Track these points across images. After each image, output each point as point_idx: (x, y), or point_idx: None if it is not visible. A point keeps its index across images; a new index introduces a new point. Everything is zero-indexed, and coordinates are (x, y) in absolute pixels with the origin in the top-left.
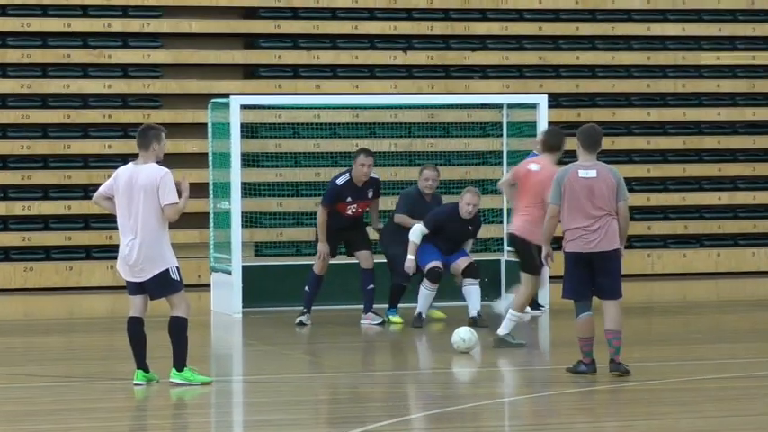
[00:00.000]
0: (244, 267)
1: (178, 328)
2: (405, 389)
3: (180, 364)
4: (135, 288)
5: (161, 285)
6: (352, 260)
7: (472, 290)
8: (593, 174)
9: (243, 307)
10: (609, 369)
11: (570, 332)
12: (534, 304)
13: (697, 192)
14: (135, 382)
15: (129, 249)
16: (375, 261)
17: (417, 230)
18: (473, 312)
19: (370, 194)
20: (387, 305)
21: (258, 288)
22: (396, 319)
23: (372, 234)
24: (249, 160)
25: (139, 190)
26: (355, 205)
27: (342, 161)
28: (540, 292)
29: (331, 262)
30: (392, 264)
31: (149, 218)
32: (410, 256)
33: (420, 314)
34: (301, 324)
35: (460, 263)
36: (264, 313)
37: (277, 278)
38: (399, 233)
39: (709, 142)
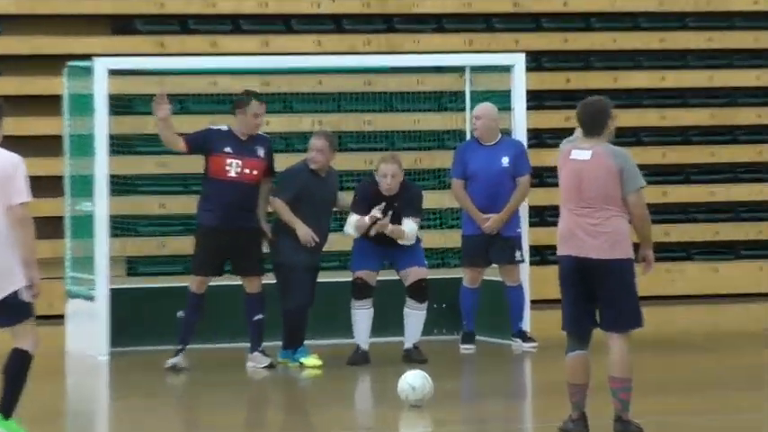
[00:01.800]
0: (113, 292)
1: (20, 365)
2: None
3: (8, 409)
4: None
5: (11, 309)
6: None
7: (412, 315)
8: (586, 156)
9: (111, 346)
10: (614, 430)
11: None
12: (523, 335)
13: (731, 183)
14: None
15: None
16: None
17: (352, 220)
18: (407, 344)
19: (261, 152)
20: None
21: (132, 320)
22: (310, 361)
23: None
24: (120, 145)
25: None
26: (239, 162)
27: None
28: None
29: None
30: (284, 283)
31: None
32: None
33: (357, 347)
34: (175, 369)
35: (411, 273)
36: (141, 354)
37: (158, 306)
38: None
39: (746, 116)
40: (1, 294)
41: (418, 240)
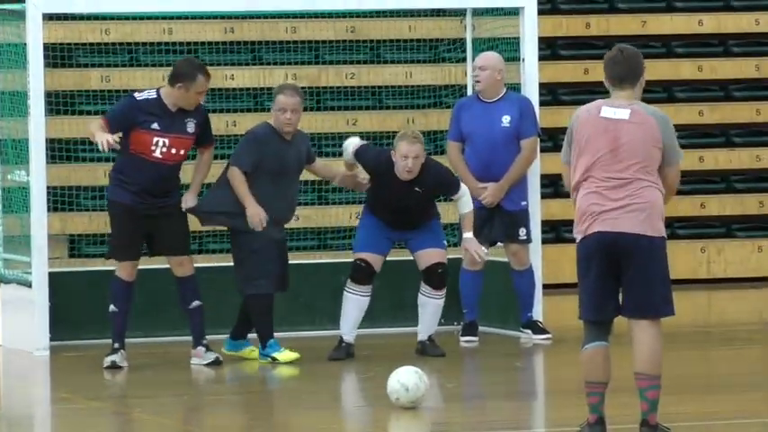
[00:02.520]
0: (52, 276)
1: None
2: None
3: None
4: None
5: None
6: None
7: (429, 304)
8: (623, 114)
9: (51, 339)
10: None
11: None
12: (534, 326)
13: None
14: None
15: None
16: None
17: (349, 145)
18: (423, 335)
19: (191, 128)
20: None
21: (76, 309)
22: (285, 355)
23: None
24: (60, 103)
25: None
26: (166, 140)
27: (210, 102)
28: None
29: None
30: (246, 261)
31: None
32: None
33: (341, 339)
34: (114, 367)
35: (424, 256)
36: (86, 348)
37: (105, 292)
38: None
39: None
40: None
41: (436, 217)
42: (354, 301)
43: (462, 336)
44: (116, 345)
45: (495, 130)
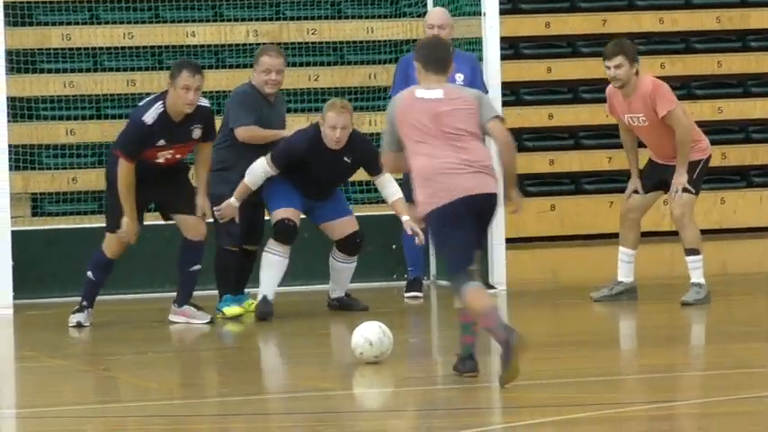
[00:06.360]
0: (15, 234)
1: None
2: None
3: None
4: None
5: None
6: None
7: (346, 269)
8: (438, 94)
9: (15, 298)
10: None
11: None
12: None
13: None
14: None
15: None
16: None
17: (258, 168)
18: (337, 292)
19: (197, 134)
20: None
21: (39, 267)
22: (232, 309)
23: None
24: (20, 61)
25: None
26: (171, 151)
27: (167, 58)
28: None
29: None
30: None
31: None
32: (232, 199)
33: (265, 297)
34: (79, 326)
35: (338, 226)
36: (51, 306)
37: (69, 250)
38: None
39: None
40: None
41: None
42: (279, 263)
43: (406, 292)
44: (84, 303)
45: None
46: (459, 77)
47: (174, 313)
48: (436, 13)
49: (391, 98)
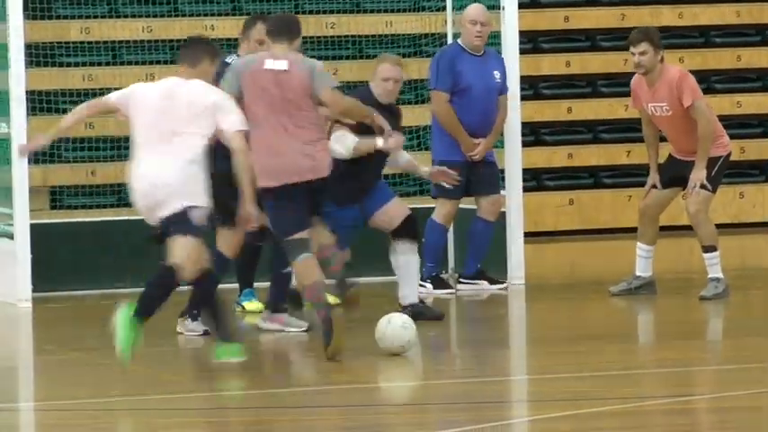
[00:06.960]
0: (34, 228)
1: None
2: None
3: None
4: None
5: None
6: None
7: (411, 262)
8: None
9: (34, 291)
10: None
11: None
12: (488, 277)
13: None
14: None
15: None
16: None
17: (348, 139)
18: (410, 298)
19: None
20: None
21: (58, 261)
22: (252, 304)
23: None
24: (40, 55)
25: None
26: None
27: None
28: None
29: None
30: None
31: None
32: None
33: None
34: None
35: (392, 211)
36: (68, 300)
37: (88, 243)
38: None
39: None
40: None
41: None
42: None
43: (436, 288)
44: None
45: (491, 86)
46: (497, 74)
47: (268, 320)
48: (479, 10)
49: (435, 89)
